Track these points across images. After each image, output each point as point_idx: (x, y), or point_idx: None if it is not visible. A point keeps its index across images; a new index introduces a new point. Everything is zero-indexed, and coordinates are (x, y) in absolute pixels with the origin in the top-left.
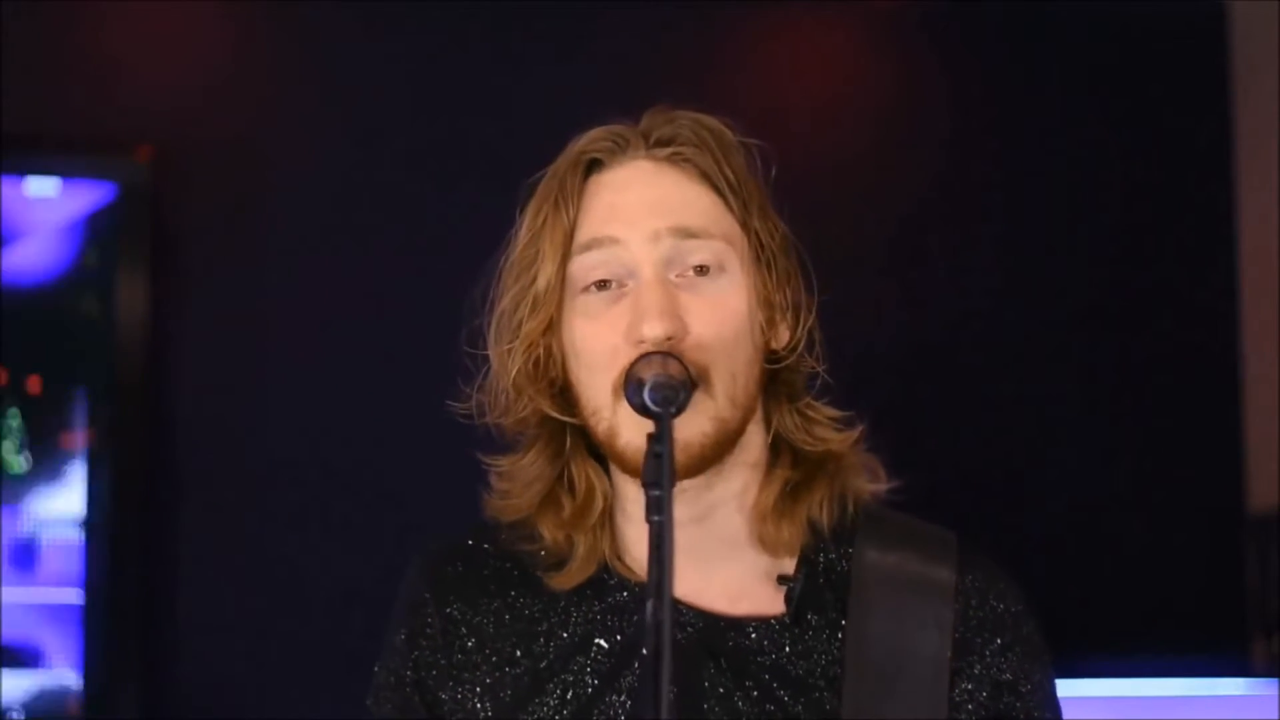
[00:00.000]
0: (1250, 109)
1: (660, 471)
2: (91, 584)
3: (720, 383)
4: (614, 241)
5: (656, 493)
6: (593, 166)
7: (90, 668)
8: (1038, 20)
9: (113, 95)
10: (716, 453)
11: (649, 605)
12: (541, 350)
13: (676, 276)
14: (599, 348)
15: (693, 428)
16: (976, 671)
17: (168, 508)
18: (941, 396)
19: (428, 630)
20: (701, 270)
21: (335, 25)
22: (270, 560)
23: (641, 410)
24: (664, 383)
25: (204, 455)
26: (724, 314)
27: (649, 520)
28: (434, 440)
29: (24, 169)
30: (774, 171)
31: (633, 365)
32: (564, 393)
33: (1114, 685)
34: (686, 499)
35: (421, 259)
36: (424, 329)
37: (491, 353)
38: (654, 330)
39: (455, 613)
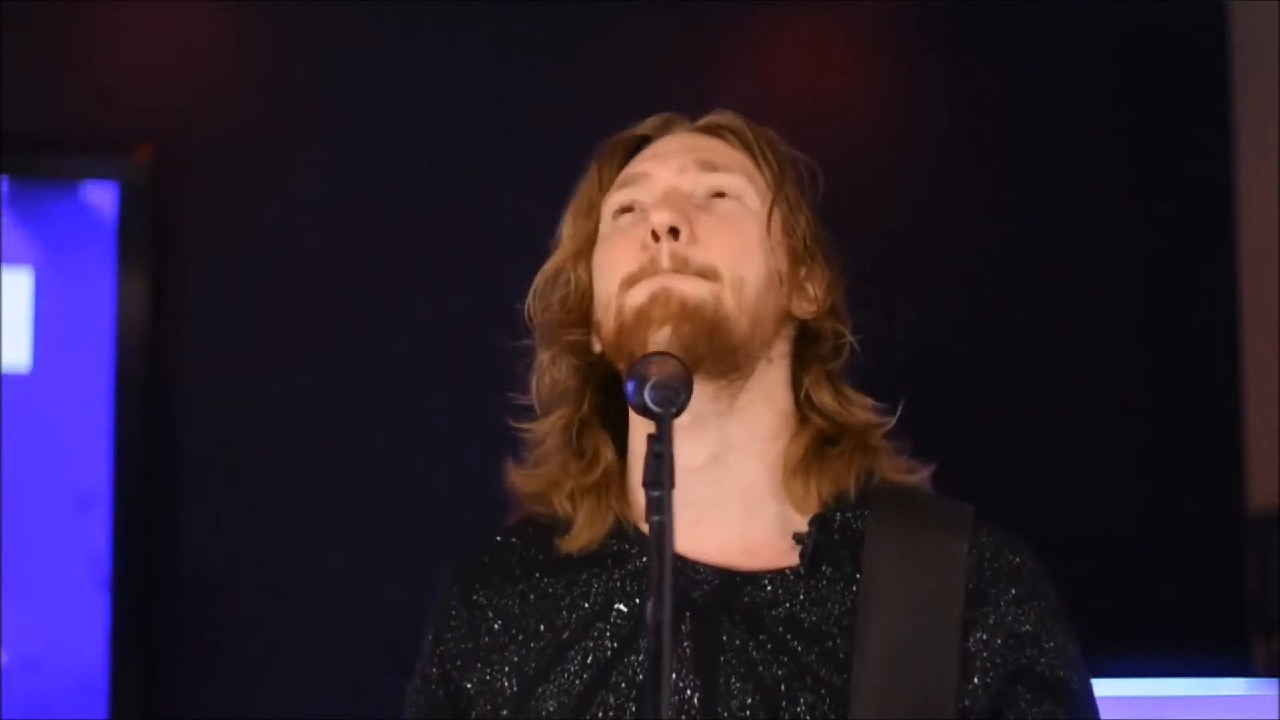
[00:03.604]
0: (1250, 109)
1: (660, 471)
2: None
3: (726, 276)
4: (644, 176)
5: (657, 493)
6: (641, 143)
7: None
8: (1037, 20)
9: (113, 95)
10: (715, 331)
11: (649, 605)
12: (572, 283)
13: (698, 197)
14: (615, 251)
15: (692, 288)
16: (991, 621)
17: (168, 506)
18: (940, 396)
19: (453, 623)
20: (719, 195)
21: (335, 25)
22: (271, 558)
23: (642, 410)
24: (665, 382)
25: (204, 455)
26: (735, 229)
27: (648, 520)
28: (434, 438)
29: (24, 169)
30: (820, 190)
31: (634, 364)
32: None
33: (1114, 685)
34: (702, 434)
35: (421, 258)
36: (424, 327)
37: (532, 313)
38: (660, 217)
39: (481, 599)
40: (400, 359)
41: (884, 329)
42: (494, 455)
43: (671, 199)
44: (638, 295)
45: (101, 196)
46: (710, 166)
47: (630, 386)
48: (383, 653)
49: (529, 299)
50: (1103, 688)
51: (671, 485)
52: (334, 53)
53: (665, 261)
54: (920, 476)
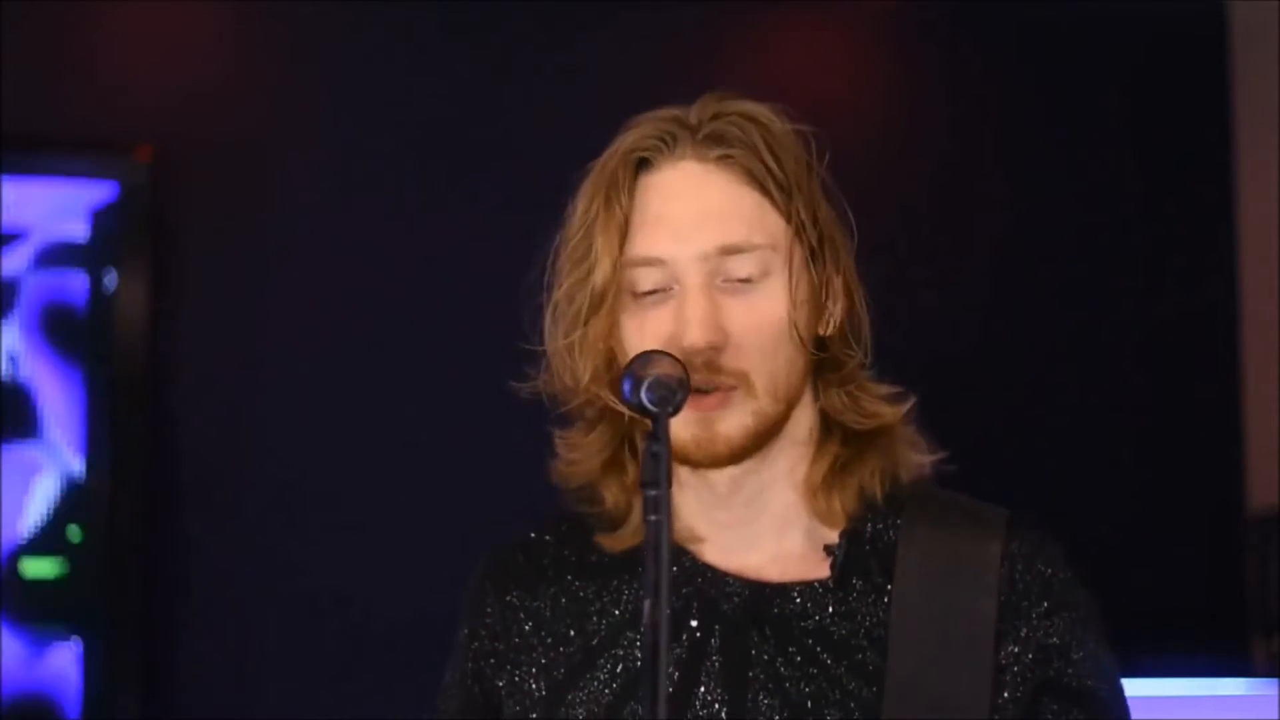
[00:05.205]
0: (1250, 109)
1: (657, 471)
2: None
3: (760, 382)
4: (663, 262)
5: (654, 492)
6: (642, 164)
7: (90, 667)
8: (1037, 20)
9: (113, 95)
10: (758, 442)
11: (646, 605)
12: (605, 349)
13: (721, 282)
14: (643, 344)
15: (733, 421)
16: (1023, 634)
17: (168, 507)
18: (940, 396)
19: (486, 620)
20: (745, 280)
21: (335, 25)
22: (270, 559)
23: (639, 409)
24: (661, 382)
25: (204, 454)
26: (764, 321)
27: (646, 520)
28: (434, 437)
29: (24, 169)
30: (828, 157)
31: (631, 362)
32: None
33: None
34: (737, 486)
35: (421, 258)
36: (424, 326)
37: (548, 341)
38: (695, 338)
39: (514, 600)
40: (399, 358)
41: (883, 329)
42: (493, 454)
43: (705, 311)
44: (677, 428)
45: (101, 196)
46: (733, 250)
47: (626, 385)
48: (383, 652)
49: (542, 375)
50: None
51: (669, 484)
52: (334, 53)
53: (700, 376)
54: (934, 460)
